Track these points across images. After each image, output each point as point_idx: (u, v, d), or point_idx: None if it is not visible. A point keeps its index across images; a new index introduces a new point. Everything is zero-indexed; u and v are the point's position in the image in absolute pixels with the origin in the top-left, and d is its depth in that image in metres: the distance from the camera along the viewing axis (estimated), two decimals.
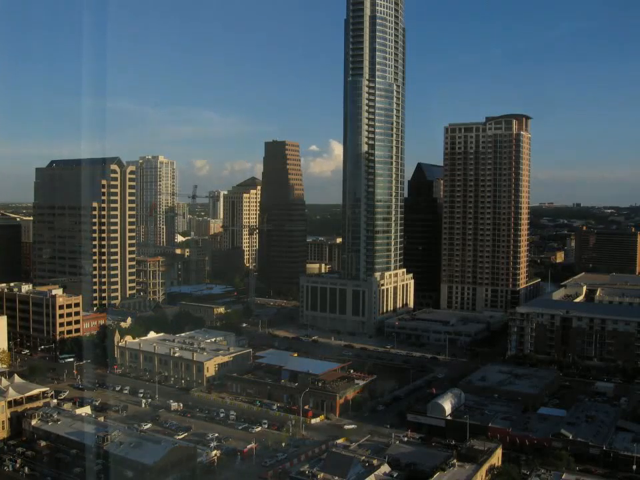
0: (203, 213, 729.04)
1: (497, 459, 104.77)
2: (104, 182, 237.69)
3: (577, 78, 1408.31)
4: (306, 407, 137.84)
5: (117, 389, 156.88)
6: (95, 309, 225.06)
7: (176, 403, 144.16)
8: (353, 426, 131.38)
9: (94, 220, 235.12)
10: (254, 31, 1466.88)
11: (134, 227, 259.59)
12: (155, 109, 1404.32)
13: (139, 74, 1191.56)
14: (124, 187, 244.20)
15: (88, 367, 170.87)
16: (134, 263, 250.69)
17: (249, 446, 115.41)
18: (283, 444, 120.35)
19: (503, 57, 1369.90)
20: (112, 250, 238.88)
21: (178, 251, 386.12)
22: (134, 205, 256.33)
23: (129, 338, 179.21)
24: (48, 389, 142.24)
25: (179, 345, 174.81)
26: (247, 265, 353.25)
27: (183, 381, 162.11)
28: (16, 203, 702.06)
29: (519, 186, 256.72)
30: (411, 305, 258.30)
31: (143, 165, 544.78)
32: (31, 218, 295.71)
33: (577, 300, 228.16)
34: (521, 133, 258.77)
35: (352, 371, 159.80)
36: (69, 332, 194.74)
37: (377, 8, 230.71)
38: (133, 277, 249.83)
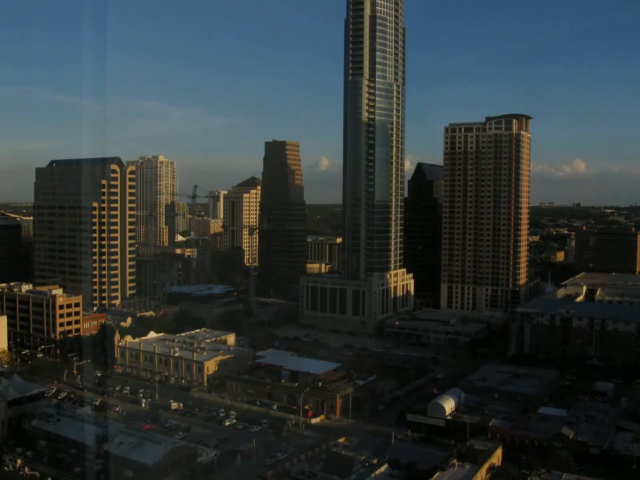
0: (202, 213, 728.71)
1: (497, 458, 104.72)
2: (104, 182, 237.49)
3: (577, 78, 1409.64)
4: (306, 407, 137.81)
5: (117, 388, 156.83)
6: (94, 309, 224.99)
7: (176, 403, 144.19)
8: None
9: (94, 220, 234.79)
10: (253, 31, 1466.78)
11: (134, 226, 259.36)
12: (156, 107, 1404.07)
13: (137, 72, 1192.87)
14: (124, 187, 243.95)
15: (88, 366, 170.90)
16: (134, 263, 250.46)
17: (249, 446, 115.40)
18: (283, 444, 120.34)
19: (503, 57, 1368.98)
20: (112, 250, 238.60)
21: (178, 251, 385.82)
22: (134, 205, 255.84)
23: (129, 338, 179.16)
24: (48, 388, 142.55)
25: (179, 345, 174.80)
26: (247, 264, 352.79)
27: (183, 381, 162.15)
28: (16, 202, 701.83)
29: (519, 186, 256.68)
30: (411, 305, 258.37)
31: (143, 165, 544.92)
32: (31, 218, 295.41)
33: (577, 300, 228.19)
34: (521, 132, 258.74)
35: (352, 370, 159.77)
36: (69, 332, 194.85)
37: (377, 8, 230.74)
38: (133, 277, 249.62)
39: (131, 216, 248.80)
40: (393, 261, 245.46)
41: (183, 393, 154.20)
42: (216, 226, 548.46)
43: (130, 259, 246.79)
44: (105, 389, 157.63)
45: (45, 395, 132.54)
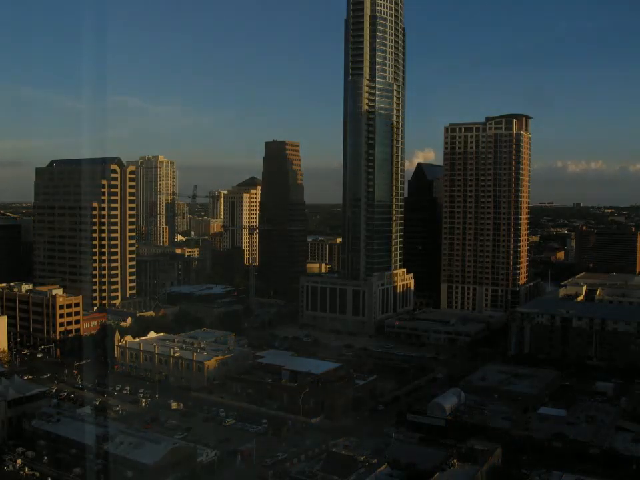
0: (202, 213, 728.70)
1: (497, 458, 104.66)
2: (104, 182, 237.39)
3: (578, 77, 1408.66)
4: (306, 407, 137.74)
5: (117, 388, 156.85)
6: (94, 309, 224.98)
7: (176, 403, 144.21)
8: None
9: (94, 220, 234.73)
10: (253, 31, 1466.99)
11: (134, 226, 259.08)
12: (155, 105, 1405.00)
13: (137, 71, 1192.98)
14: (124, 186, 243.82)
15: (88, 366, 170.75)
16: (134, 263, 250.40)
17: (249, 446, 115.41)
18: (283, 444, 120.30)
19: (503, 56, 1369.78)
20: (112, 250, 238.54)
21: (178, 251, 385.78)
22: (134, 205, 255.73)
23: (129, 338, 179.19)
24: (48, 388, 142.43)
25: (179, 345, 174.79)
26: (247, 264, 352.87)
27: (183, 381, 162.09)
28: (16, 202, 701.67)
29: (519, 186, 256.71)
30: (411, 305, 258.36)
31: (143, 165, 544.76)
32: (31, 218, 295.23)
33: (577, 300, 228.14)
34: (521, 132, 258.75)
35: (352, 370, 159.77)
36: (69, 332, 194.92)
37: (377, 8, 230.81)
38: (133, 277, 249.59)
39: (131, 216, 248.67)
40: (393, 261, 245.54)
41: (183, 392, 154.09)
42: (216, 226, 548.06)
43: (130, 259, 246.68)
44: (105, 388, 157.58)
45: (45, 395, 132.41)
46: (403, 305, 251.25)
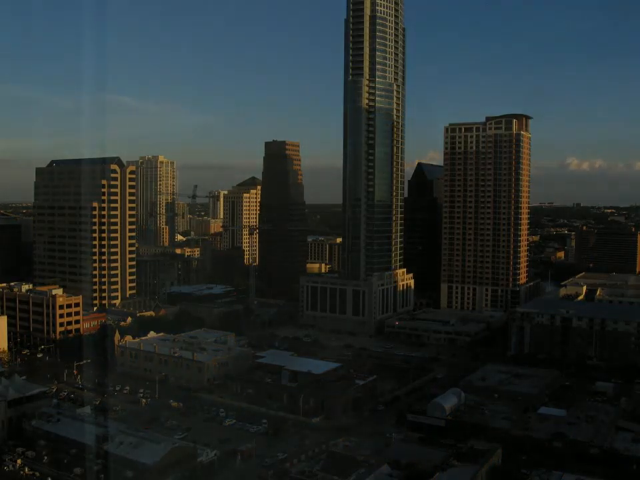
0: (202, 213, 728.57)
1: (497, 459, 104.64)
2: (104, 182, 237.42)
3: (577, 77, 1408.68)
4: (306, 407, 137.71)
5: (117, 388, 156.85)
6: (94, 309, 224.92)
7: (176, 403, 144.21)
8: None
9: (94, 220, 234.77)
10: (253, 31, 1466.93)
11: (134, 226, 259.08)
12: (155, 105, 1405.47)
13: (136, 68, 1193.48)
14: (124, 187, 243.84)
15: (88, 366, 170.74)
16: (134, 263, 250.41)
17: (249, 446, 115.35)
18: (283, 444, 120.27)
19: (503, 56, 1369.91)
20: (112, 250, 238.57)
21: (178, 251, 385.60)
22: (134, 205, 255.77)
23: (129, 338, 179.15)
24: (48, 388, 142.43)
25: (179, 345, 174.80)
26: (247, 264, 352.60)
27: (183, 381, 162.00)
28: (16, 202, 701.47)
29: (519, 186, 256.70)
30: (411, 305, 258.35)
31: (143, 165, 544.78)
32: (31, 218, 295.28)
33: (577, 300, 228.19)
34: (521, 132, 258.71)
35: (352, 370, 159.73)
36: (69, 332, 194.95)
37: (377, 8, 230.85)
38: (133, 277, 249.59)
39: (131, 216, 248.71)
40: (393, 261, 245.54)
41: (183, 392, 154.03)
42: (216, 226, 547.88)
43: (130, 259, 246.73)
44: (105, 389, 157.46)
45: (45, 395, 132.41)
46: (403, 305, 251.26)
